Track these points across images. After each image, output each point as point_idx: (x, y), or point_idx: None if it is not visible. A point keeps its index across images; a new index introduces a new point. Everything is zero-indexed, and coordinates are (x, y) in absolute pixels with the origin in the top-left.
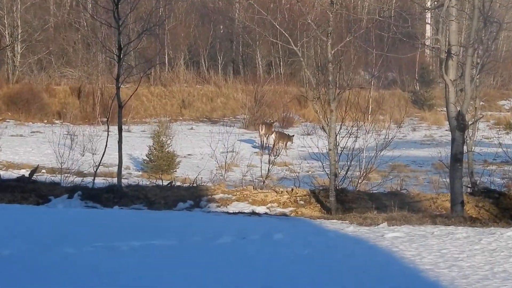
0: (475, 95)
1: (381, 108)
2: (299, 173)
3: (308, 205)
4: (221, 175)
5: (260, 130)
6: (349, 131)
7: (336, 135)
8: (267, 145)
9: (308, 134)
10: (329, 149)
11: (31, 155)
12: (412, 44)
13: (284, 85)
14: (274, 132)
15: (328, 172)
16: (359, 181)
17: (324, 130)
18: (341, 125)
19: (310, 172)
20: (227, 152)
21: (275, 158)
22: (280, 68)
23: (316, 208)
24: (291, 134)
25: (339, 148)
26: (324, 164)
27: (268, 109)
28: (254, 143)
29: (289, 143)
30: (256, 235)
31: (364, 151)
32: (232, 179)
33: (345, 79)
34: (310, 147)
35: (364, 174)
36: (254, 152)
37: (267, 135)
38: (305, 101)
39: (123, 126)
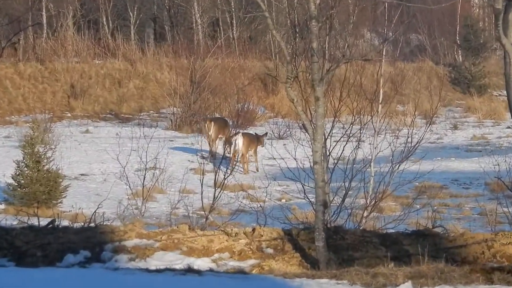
0: None
1: (400, 92)
2: (265, 201)
3: (281, 255)
4: (136, 208)
5: (208, 131)
6: (347, 132)
7: (326, 139)
8: (214, 155)
9: (280, 138)
10: (315, 162)
11: None
12: None
13: (239, 57)
14: (240, 134)
15: (312, 200)
16: (365, 215)
17: (306, 131)
18: (333, 121)
19: (283, 201)
20: (147, 169)
21: (225, 178)
22: (231, 30)
23: (294, 259)
24: (260, 134)
25: (331, 160)
26: (306, 187)
27: (214, 97)
28: (197, 153)
29: (259, 147)
30: None
31: (371, 165)
32: (155, 213)
33: (339, 46)
34: (284, 159)
35: (373, 202)
36: (191, 169)
37: (221, 140)
38: (275, 83)
39: None
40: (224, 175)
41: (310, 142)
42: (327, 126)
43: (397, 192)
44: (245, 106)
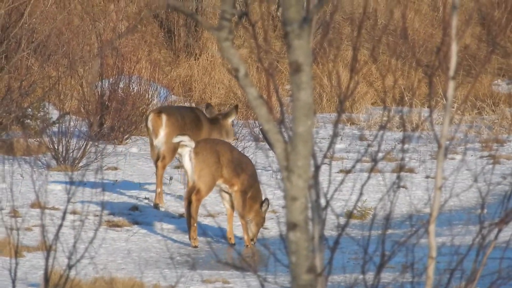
0: None
1: (504, 48)
2: None
3: None
4: None
5: (153, 135)
6: (371, 149)
7: (319, 167)
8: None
9: None
10: (290, 224)
11: None
12: None
13: None
14: (181, 137)
15: None
16: None
17: (270, 147)
18: (337, 122)
19: None
20: None
21: None
22: None
23: None
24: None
25: (332, 219)
26: None
27: (43, 64)
28: None
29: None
30: None
31: (431, 228)
32: None
33: None
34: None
35: None
36: None
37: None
38: (193, 30)
39: None
40: None
41: (277, 174)
42: (320, 135)
43: None
44: (121, 83)
